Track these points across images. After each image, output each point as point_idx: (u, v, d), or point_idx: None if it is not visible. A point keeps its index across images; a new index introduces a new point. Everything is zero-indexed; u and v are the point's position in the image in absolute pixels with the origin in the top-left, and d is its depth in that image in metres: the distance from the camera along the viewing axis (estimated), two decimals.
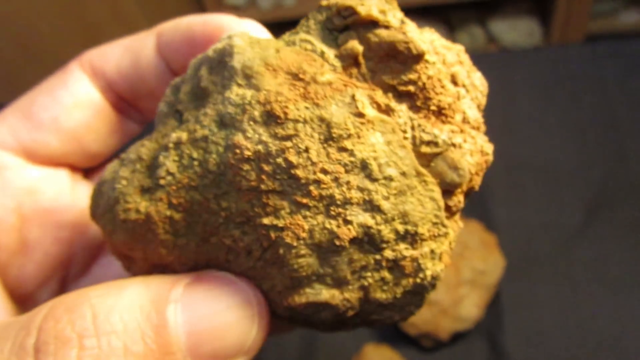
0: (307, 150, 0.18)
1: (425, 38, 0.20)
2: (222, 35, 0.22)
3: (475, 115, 0.20)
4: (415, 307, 0.21)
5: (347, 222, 0.18)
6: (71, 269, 0.26)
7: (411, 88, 0.19)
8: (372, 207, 0.18)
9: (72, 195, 0.25)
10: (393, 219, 0.19)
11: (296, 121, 0.18)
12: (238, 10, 1.30)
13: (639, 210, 0.64)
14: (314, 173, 0.18)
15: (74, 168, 0.26)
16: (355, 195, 0.18)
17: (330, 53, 0.19)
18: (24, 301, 0.24)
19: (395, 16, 0.19)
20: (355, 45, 0.19)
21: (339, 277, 0.19)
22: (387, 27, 0.19)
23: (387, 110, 0.19)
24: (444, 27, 1.33)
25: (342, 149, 0.18)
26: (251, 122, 0.18)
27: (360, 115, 0.18)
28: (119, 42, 0.25)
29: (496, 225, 0.64)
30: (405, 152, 0.19)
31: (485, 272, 0.58)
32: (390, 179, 0.18)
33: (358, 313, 0.20)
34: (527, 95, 0.76)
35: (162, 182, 0.19)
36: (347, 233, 0.18)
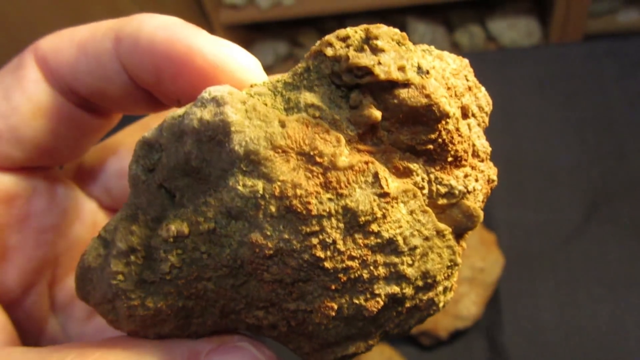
0: (334, 242, 0.17)
1: (440, 77, 0.18)
2: (193, 67, 0.19)
3: (483, 145, 0.20)
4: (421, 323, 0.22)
5: (374, 295, 0.18)
6: (58, 270, 0.25)
7: (430, 146, 0.18)
8: (397, 276, 0.18)
9: (50, 198, 0.24)
10: (416, 279, 0.18)
11: (321, 217, 0.16)
12: (237, 9, 1.30)
13: (637, 208, 0.64)
14: (342, 262, 0.17)
15: (48, 168, 0.24)
16: (382, 271, 0.18)
17: (343, 119, 0.17)
18: (10, 306, 0.24)
19: (413, 66, 0.17)
20: (373, 113, 0.17)
21: (365, 332, 0.19)
22: (406, 85, 0.17)
23: (406, 172, 0.18)
24: (444, 27, 1.33)
25: (369, 233, 0.17)
26: (268, 219, 0.16)
27: (385, 195, 0.17)
28: (74, 36, 0.21)
29: (495, 224, 0.64)
30: (427, 216, 0.18)
31: (484, 270, 0.58)
32: (414, 247, 0.18)
33: None
34: (526, 94, 0.76)
35: (167, 277, 0.18)
36: (375, 305, 0.18)
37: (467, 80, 0.19)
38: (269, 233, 0.16)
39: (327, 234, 0.17)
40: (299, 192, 0.16)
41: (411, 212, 0.18)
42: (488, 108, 0.20)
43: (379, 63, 0.16)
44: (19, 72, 0.22)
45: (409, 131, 0.17)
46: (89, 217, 0.26)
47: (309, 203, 0.16)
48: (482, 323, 0.59)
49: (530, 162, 0.69)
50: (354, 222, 0.17)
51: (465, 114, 0.19)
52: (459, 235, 0.20)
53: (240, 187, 0.16)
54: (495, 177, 0.20)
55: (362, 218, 0.17)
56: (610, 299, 0.58)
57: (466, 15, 1.32)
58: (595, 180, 0.67)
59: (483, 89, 0.20)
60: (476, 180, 0.19)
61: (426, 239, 0.18)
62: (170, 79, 0.19)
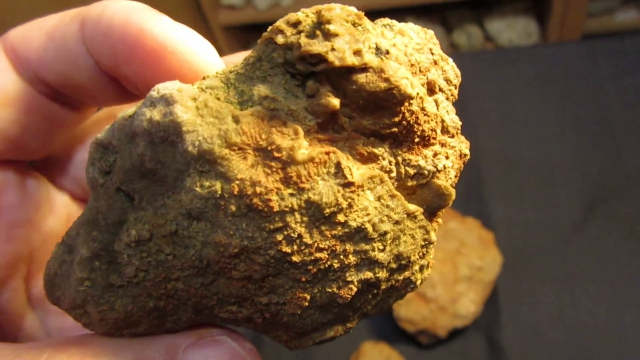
0: (299, 236, 0.16)
1: (401, 55, 0.17)
2: (144, 48, 0.19)
3: (452, 120, 0.19)
4: (396, 300, 0.21)
5: (347, 282, 0.18)
6: (33, 265, 0.25)
7: (395, 129, 0.17)
8: (369, 262, 0.18)
9: (21, 191, 0.24)
10: (389, 262, 0.18)
11: (283, 212, 0.16)
12: (235, 10, 1.30)
13: (635, 206, 0.64)
14: (310, 254, 0.17)
15: (19, 161, 0.24)
16: (352, 259, 0.17)
17: (300, 109, 0.16)
18: None
19: (370, 48, 0.16)
20: (331, 101, 0.16)
21: (342, 317, 0.19)
22: (364, 69, 0.16)
23: (371, 157, 0.17)
24: (442, 27, 1.33)
25: (336, 224, 0.17)
26: (230, 218, 0.16)
27: (350, 184, 0.16)
28: (43, 24, 0.21)
29: (493, 223, 0.64)
30: (395, 200, 0.18)
31: (482, 269, 0.58)
32: (385, 233, 0.18)
33: None
34: (524, 93, 0.76)
35: (134, 280, 0.18)
36: (349, 292, 0.18)
37: (432, 54, 0.18)
38: (231, 232, 0.16)
39: (292, 229, 0.16)
40: (258, 189, 0.16)
41: (379, 198, 0.17)
42: (457, 80, 0.19)
43: (333, 49, 0.15)
44: None
45: (371, 117, 0.17)
46: (63, 210, 0.26)
47: (269, 200, 0.16)
48: (481, 322, 0.59)
49: (528, 161, 0.69)
50: (318, 215, 0.16)
51: (431, 90, 0.18)
52: (432, 213, 0.19)
53: (197, 188, 0.16)
54: (467, 151, 0.19)
55: (327, 210, 0.16)
56: (608, 297, 0.59)
57: (464, 15, 1.32)
58: (593, 179, 0.67)
59: (450, 60, 0.19)
60: (447, 158, 0.19)
61: (396, 222, 0.18)
62: (125, 61, 0.19)
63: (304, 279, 0.17)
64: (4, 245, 0.23)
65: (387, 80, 0.16)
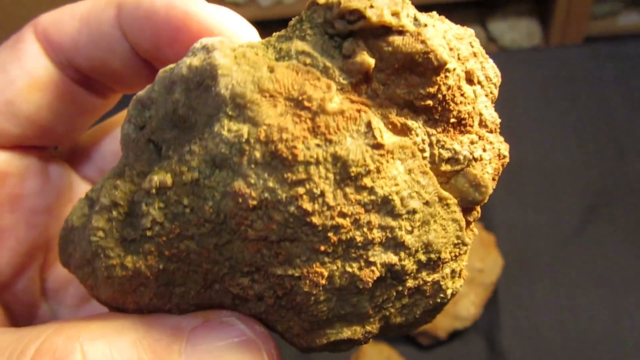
0: (322, 194, 0.16)
1: (440, 34, 0.17)
2: (189, 31, 0.19)
3: (491, 116, 0.18)
4: (431, 319, 0.20)
5: (369, 263, 0.17)
6: (50, 254, 0.24)
7: (429, 102, 0.17)
8: (395, 244, 0.17)
9: (44, 179, 0.23)
10: (417, 251, 0.17)
11: (308, 163, 0.15)
12: (238, 7, 1.30)
13: (636, 210, 0.64)
14: (332, 218, 0.16)
15: (43, 148, 0.24)
16: (377, 234, 0.16)
17: (335, 67, 0.16)
18: (1, 290, 0.23)
19: (409, 16, 0.16)
20: (366, 59, 0.16)
21: (361, 313, 0.18)
22: (401, 32, 0.16)
23: (404, 130, 0.17)
24: None
25: (362, 188, 0.16)
26: (252, 165, 0.16)
27: (379, 146, 0.16)
28: (76, 10, 0.22)
29: (494, 225, 0.64)
30: (427, 178, 0.17)
31: (483, 271, 0.58)
32: (413, 212, 0.17)
33: (377, 335, 0.19)
34: (526, 96, 0.76)
35: (148, 233, 0.17)
36: (370, 275, 0.17)
37: (472, 46, 0.18)
38: (252, 181, 0.16)
39: (315, 183, 0.16)
40: (285, 136, 0.15)
41: (409, 172, 0.16)
42: (497, 80, 0.19)
43: (371, 7, 0.16)
44: (17, 46, 0.22)
45: (405, 84, 0.17)
46: None
47: (295, 148, 0.15)
48: (481, 324, 0.59)
49: (530, 164, 0.69)
50: (344, 174, 0.16)
51: (470, 80, 0.18)
52: (466, 210, 0.18)
53: (225, 132, 0.16)
54: (507, 153, 0.19)
55: (354, 169, 0.16)
56: (609, 301, 0.58)
57: (467, 16, 1.32)
58: (594, 182, 0.67)
59: (491, 60, 0.19)
60: (484, 150, 0.18)
61: (427, 203, 0.17)
62: (168, 44, 0.20)
63: (322, 249, 0.16)
64: (23, 233, 0.23)
65: (423, 42, 0.16)
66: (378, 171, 0.16)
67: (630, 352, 0.55)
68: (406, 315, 0.19)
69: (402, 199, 0.16)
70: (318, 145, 0.15)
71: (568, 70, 0.77)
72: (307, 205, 0.16)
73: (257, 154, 0.15)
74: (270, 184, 0.16)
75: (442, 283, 0.18)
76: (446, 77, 0.17)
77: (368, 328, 0.18)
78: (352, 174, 0.16)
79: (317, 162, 0.15)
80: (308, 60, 0.16)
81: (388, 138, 0.16)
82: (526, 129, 0.72)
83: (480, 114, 0.18)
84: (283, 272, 0.17)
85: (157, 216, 0.17)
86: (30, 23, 0.22)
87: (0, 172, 0.22)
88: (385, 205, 0.16)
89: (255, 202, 0.16)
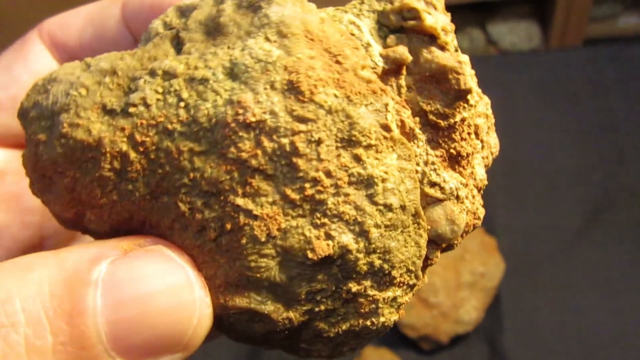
0: (319, 143, 0.16)
1: (472, 78, 0.18)
2: None
3: (482, 175, 0.19)
4: (350, 350, 0.18)
5: (328, 236, 0.16)
6: None
7: (441, 122, 0.17)
8: (360, 230, 0.16)
9: None
10: (375, 251, 0.16)
11: (320, 106, 0.16)
12: None
13: (638, 213, 0.64)
14: (317, 170, 0.16)
15: None
16: (348, 211, 0.16)
17: (376, 49, 0.17)
18: None
19: (453, 41, 0.18)
20: (405, 53, 0.17)
21: (292, 293, 0.17)
22: (443, 48, 0.17)
23: (409, 135, 0.17)
24: None
25: (356, 157, 0.16)
26: (267, 86, 0.16)
27: (387, 128, 0.16)
28: (80, 11, 0.22)
29: (496, 229, 0.64)
30: (413, 185, 0.17)
31: (485, 275, 0.58)
32: (389, 208, 0.16)
33: (289, 335, 0.18)
34: (527, 99, 0.76)
35: (132, 110, 0.16)
36: (324, 248, 0.16)
37: (487, 109, 0.19)
38: (261, 99, 0.16)
39: (318, 128, 0.16)
40: (310, 73, 0.16)
41: (401, 169, 0.17)
42: (495, 150, 0.19)
43: (429, 13, 0.17)
44: (21, 47, 0.22)
45: (428, 94, 0.17)
46: None
47: (315, 87, 0.16)
48: (483, 328, 0.58)
49: (531, 167, 0.69)
50: (347, 135, 0.16)
51: (477, 133, 0.18)
52: (432, 243, 0.18)
53: (256, 48, 0.16)
54: (481, 217, 0.19)
55: (357, 135, 0.16)
56: (611, 304, 0.58)
57: (466, 18, 1.32)
58: (595, 185, 0.67)
59: (495, 134, 0.19)
60: (466, 197, 0.18)
61: (403, 208, 0.17)
62: None
63: (292, 198, 0.16)
64: (18, 231, 0.23)
65: (459, 64, 0.17)
66: (376, 150, 0.16)
67: (633, 355, 0.55)
68: (330, 324, 0.17)
69: (384, 189, 0.16)
70: (336, 97, 0.16)
71: (568, 72, 0.77)
72: (301, 146, 0.16)
73: (277, 78, 0.16)
74: (276, 109, 0.16)
75: (380, 306, 0.17)
76: (464, 108, 0.18)
77: (290, 314, 0.17)
78: (354, 139, 0.16)
79: (329, 111, 0.16)
80: (355, 32, 0.17)
81: (396, 128, 0.17)
82: (527, 132, 0.72)
83: (473, 168, 0.19)
84: (243, 204, 0.16)
85: (149, 97, 0.16)
86: (34, 28, 0.22)
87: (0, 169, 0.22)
88: (368, 186, 0.16)
89: (253, 119, 0.15)
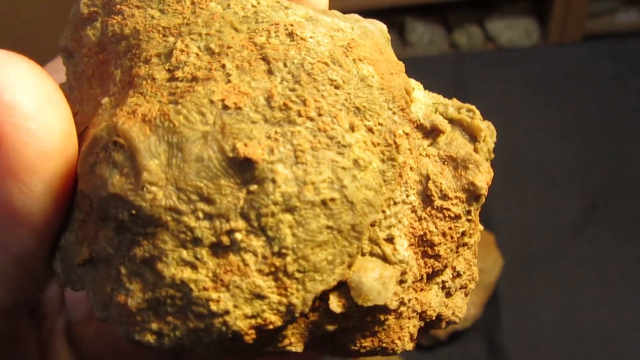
0: (337, 87, 0.15)
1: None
2: None
3: (434, 304, 0.17)
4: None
5: (271, 152, 0.14)
6: None
7: (436, 198, 0.16)
8: (302, 180, 0.14)
9: None
10: (292, 210, 0.14)
11: (356, 73, 0.16)
12: None
13: (636, 208, 0.64)
14: (313, 104, 0.15)
15: None
16: (305, 146, 0.14)
17: (423, 108, 0.17)
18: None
19: (488, 144, 0.18)
20: (446, 124, 0.17)
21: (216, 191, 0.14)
22: (476, 145, 0.17)
23: (403, 173, 0.16)
24: (442, 27, 1.33)
25: (352, 127, 0.15)
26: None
27: (394, 134, 0.16)
28: None
29: (494, 224, 0.64)
30: (380, 199, 0.15)
31: (483, 271, 0.58)
32: (343, 189, 0.14)
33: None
34: (525, 94, 0.76)
35: None
36: (255, 151, 0.14)
37: (471, 262, 0.19)
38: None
39: (343, 81, 0.15)
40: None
41: (381, 184, 0.15)
42: (473, 284, 0.19)
43: (478, 117, 0.18)
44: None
45: (440, 169, 0.17)
46: None
47: (360, 59, 0.16)
48: (481, 324, 0.58)
49: (529, 163, 0.69)
50: (361, 104, 0.15)
51: (459, 246, 0.17)
52: (334, 289, 0.15)
53: None
54: (434, 319, 0.17)
55: (368, 110, 0.15)
56: (609, 300, 0.58)
57: (465, 15, 1.32)
58: (594, 181, 0.67)
59: (464, 296, 0.19)
60: (430, 289, 0.17)
61: (352, 206, 0.14)
62: None
63: (274, 108, 0.14)
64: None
65: (487, 162, 0.17)
66: (372, 140, 0.15)
67: (631, 351, 0.55)
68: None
69: (357, 159, 0.14)
70: (372, 75, 0.16)
71: (566, 68, 0.77)
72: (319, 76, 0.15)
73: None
74: (325, 40, 0.16)
75: (232, 306, 0.14)
76: (471, 210, 0.17)
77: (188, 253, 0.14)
78: (361, 109, 0.15)
79: (361, 78, 0.16)
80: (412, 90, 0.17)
81: (401, 142, 0.16)
82: (525, 128, 0.72)
83: (431, 289, 0.17)
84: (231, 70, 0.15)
85: None
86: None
87: None
88: (339, 152, 0.14)
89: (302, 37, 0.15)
